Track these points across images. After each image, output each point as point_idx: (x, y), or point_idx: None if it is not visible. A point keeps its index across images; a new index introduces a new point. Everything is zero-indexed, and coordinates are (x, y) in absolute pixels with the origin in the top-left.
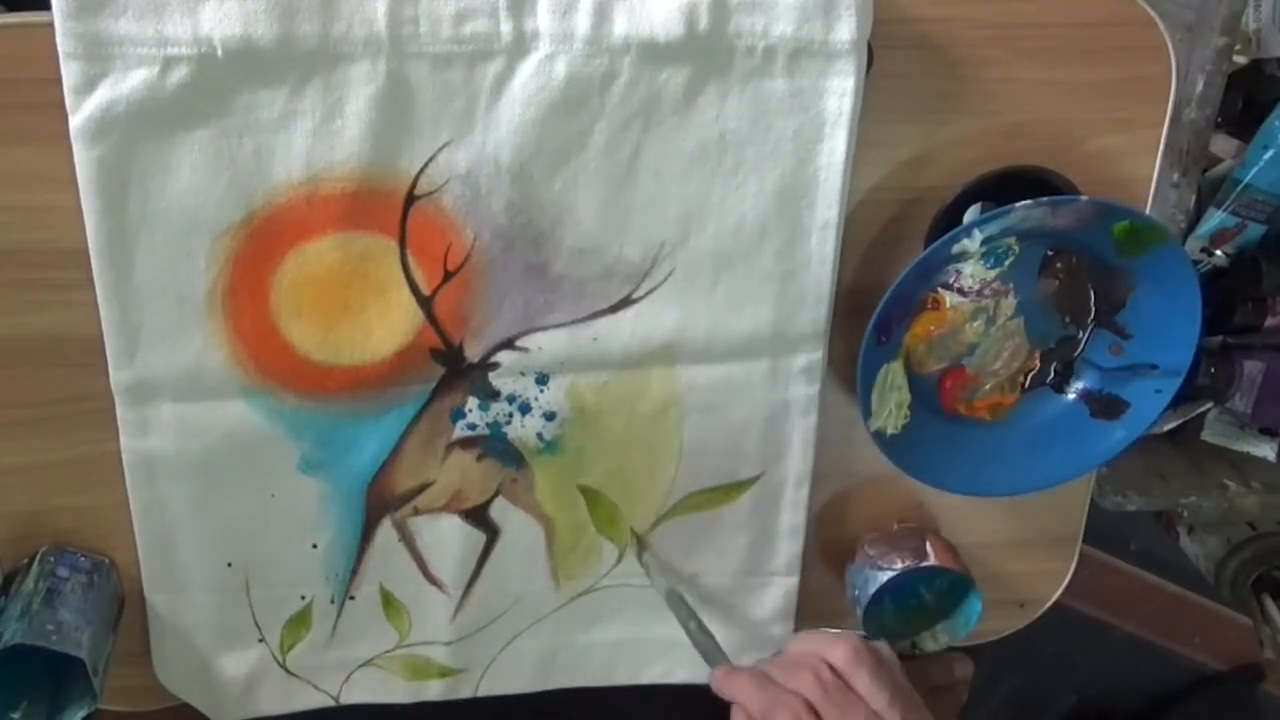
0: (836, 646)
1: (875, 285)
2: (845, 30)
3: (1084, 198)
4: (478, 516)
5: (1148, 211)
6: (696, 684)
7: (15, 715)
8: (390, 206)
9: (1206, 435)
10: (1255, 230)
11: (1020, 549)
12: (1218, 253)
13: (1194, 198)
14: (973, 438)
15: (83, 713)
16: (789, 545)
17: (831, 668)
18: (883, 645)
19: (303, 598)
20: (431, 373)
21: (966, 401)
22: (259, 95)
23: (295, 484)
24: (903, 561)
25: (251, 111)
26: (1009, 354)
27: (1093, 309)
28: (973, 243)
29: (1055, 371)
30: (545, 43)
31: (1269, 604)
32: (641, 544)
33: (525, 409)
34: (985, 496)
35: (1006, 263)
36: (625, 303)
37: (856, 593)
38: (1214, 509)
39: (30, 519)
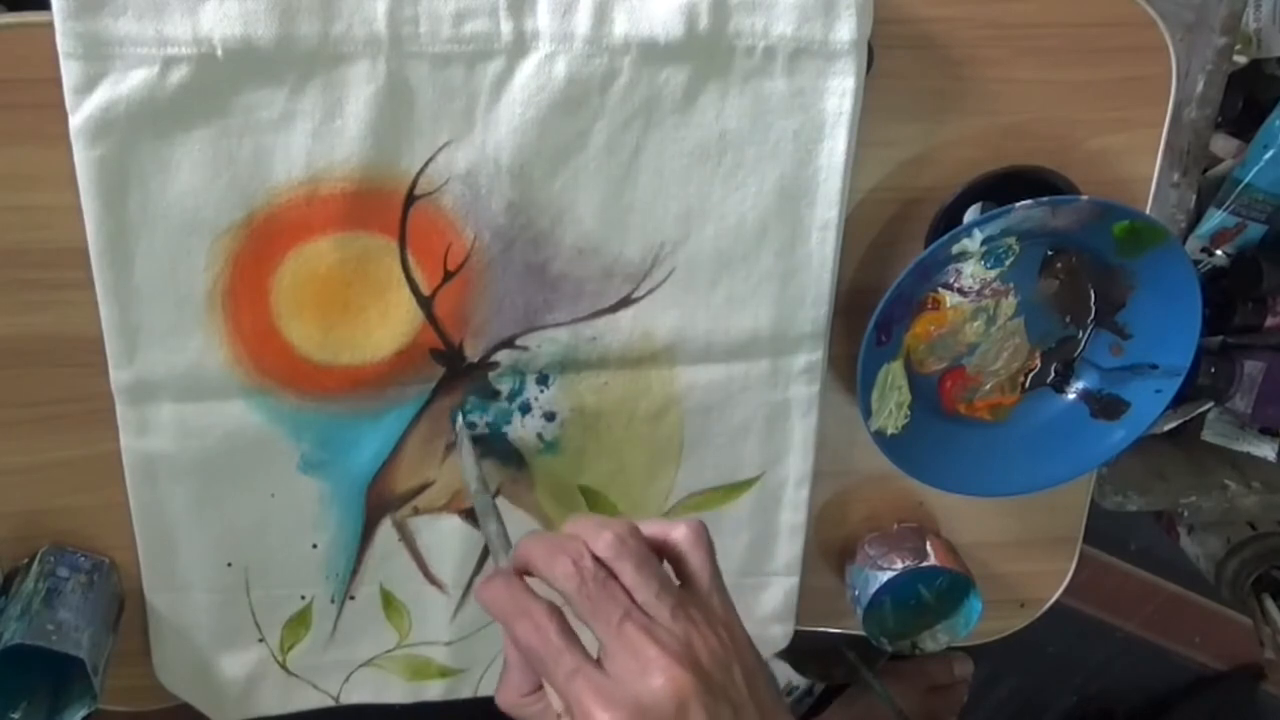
0: (602, 533)
1: (875, 285)
2: (845, 30)
3: (1084, 197)
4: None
5: (1148, 211)
6: None
7: (15, 715)
8: (390, 206)
9: (1206, 435)
10: (1255, 230)
11: (1020, 549)
12: (1218, 253)
13: (1194, 198)
14: (973, 438)
15: (83, 713)
16: (789, 545)
17: (595, 557)
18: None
19: (303, 598)
20: (431, 373)
21: (967, 401)
22: (259, 95)
23: (295, 484)
24: (903, 561)
25: (251, 111)
26: (1009, 354)
27: (1093, 309)
28: (973, 243)
29: (1055, 371)
30: (545, 42)
31: (1269, 604)
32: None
33: (525, 409)
34: (985, 496)
35: (1006, 263)
36: (625, 302)
37: (856, 593)
38: (1214, 509)
39: (30, 519)
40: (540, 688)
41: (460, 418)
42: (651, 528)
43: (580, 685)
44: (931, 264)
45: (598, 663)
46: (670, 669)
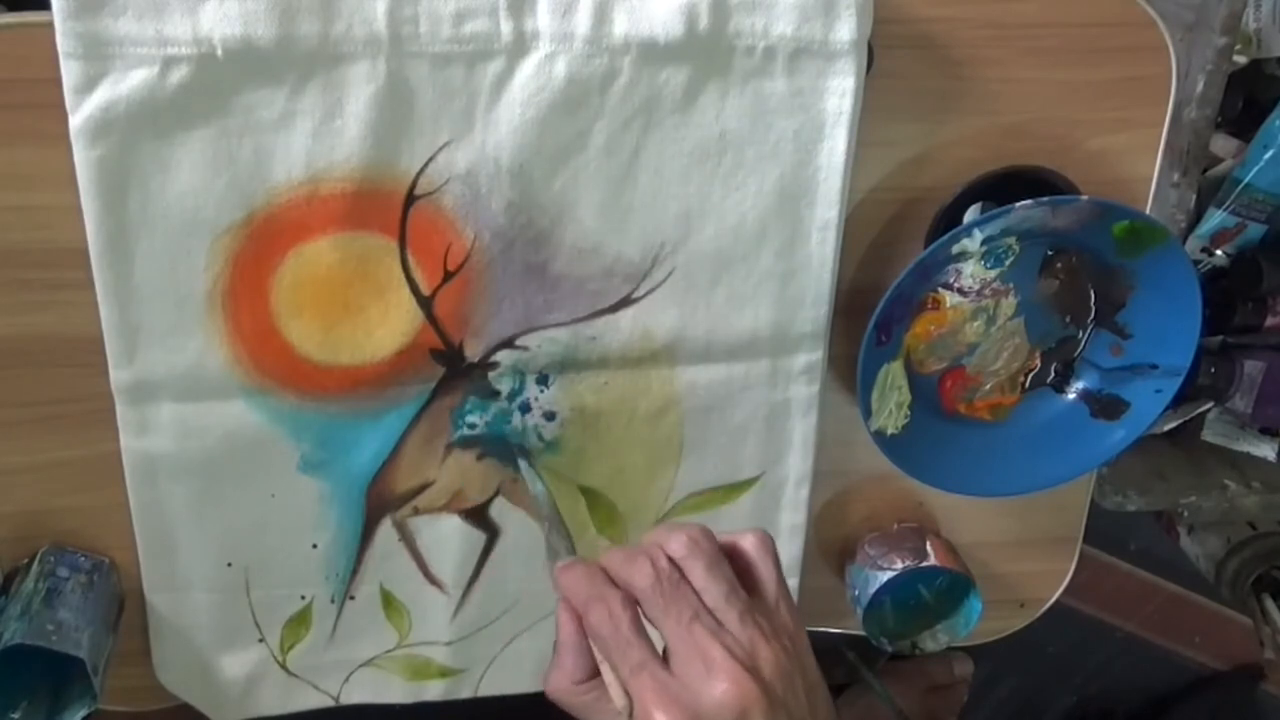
0: (675, 535)
1: (875, 285)
2: (845, 30)
3: (1084, 197)
4: (478, 516)
5: (1148, 211)
6: None
7: (15, 715)
8: (390, 206)
9: (1206, 435)
10: (1255, 230)
11: (1020, 549)
12: (1218, 253)
13: (1194, 198)
14: (973, 438)
15: (83, 713)
16: (789, 545)
17: (670, 559)
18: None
19: (303, 598)
20: (431, 373)
21: (967, 401)
22: (259, 95)
23: (295, 484)
24: (903, 561)
25: (251, 111)
26: (1009, 354)
27: (1093, 309)
28: (973, 243)
29: (1055, 371)
30: (545, 42)
31: (1269, 604)
32: (522, 450)
33: (525, 409)
34: (985, 496)
35: (1006, 263)
36: (625, 302)
37: (856, 593)
38: (1214, 509)
39: (30, 519)
40: (594, 676)
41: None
42: (721, 537)
43: (644, 680)
44: (931, 264)
45: (664, 661)
46: (734, 675)
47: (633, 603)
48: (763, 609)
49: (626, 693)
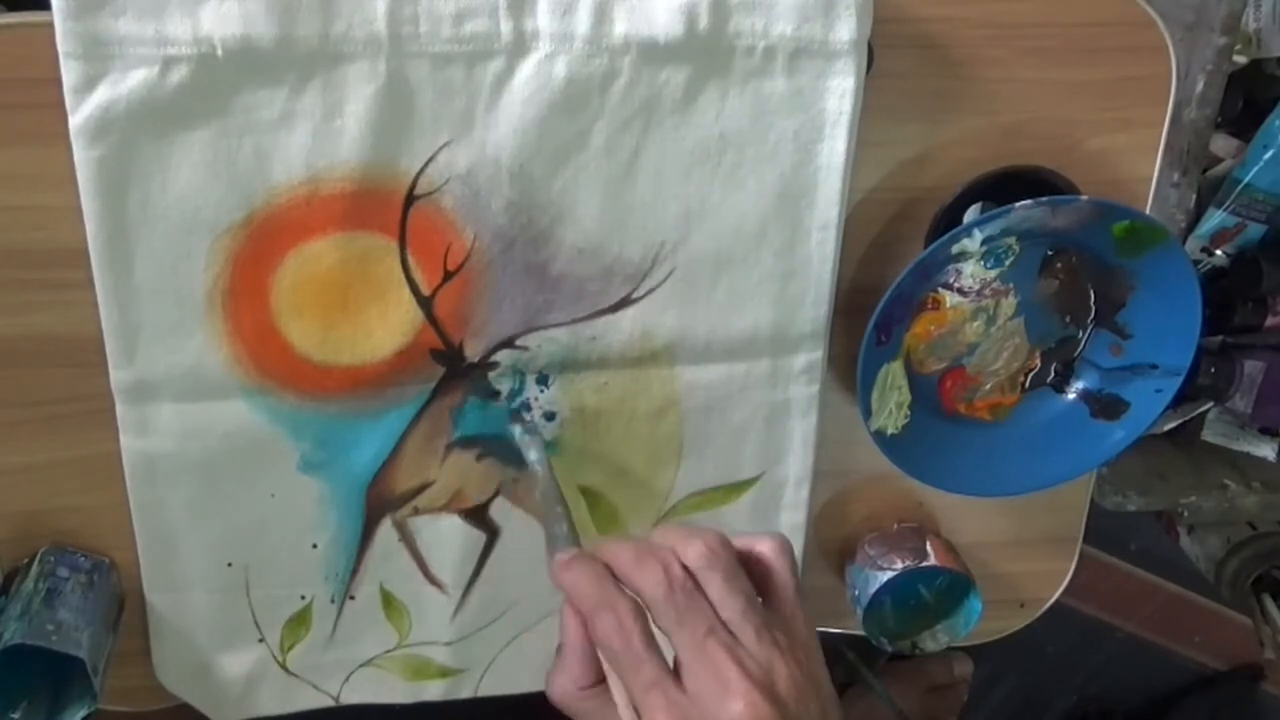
0: (692, 542)
1: (875, 285)
2: (845, 30)
3: (1085, 197)
4: (478, 516)
5: (1148, 211)
6: None
7: (15, 715)
8: (390, 206)
9: (1206, 435)
10: (1255, 230)
11: (1020, 549)
12: (1218, 253)
13: (1194, 198)
14: (973, 437)
15: (83, 713)
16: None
17: (685, 566)
18: (770, 544)
19: (303, 598)
20: (431, 373)
21: (967, 401)
22: (259, 95)
23: (295, 484)
24: (903, 561)
25: (251, 111)
26: (1009, 354)
27: (1093, 309)
28: (973, 242)
29: (1055, 371)
30: (545, 42)
31: (1269, 604)
32: (517, 416)
33: (525, 409)
34: (985, 496)
35: (1006, 263)
36: (625, 302)
37: (856, 593)
38: (1214, 509)
39: (30, 519)
40: (599, 682)
41: (522, 419)
42: (738, 540)
43: (657, 700)
44: (931, 264)
45: (676, 676)
46: (750, 695)
47: (642, 612)
48: (779, 620)
49: (634, 707)
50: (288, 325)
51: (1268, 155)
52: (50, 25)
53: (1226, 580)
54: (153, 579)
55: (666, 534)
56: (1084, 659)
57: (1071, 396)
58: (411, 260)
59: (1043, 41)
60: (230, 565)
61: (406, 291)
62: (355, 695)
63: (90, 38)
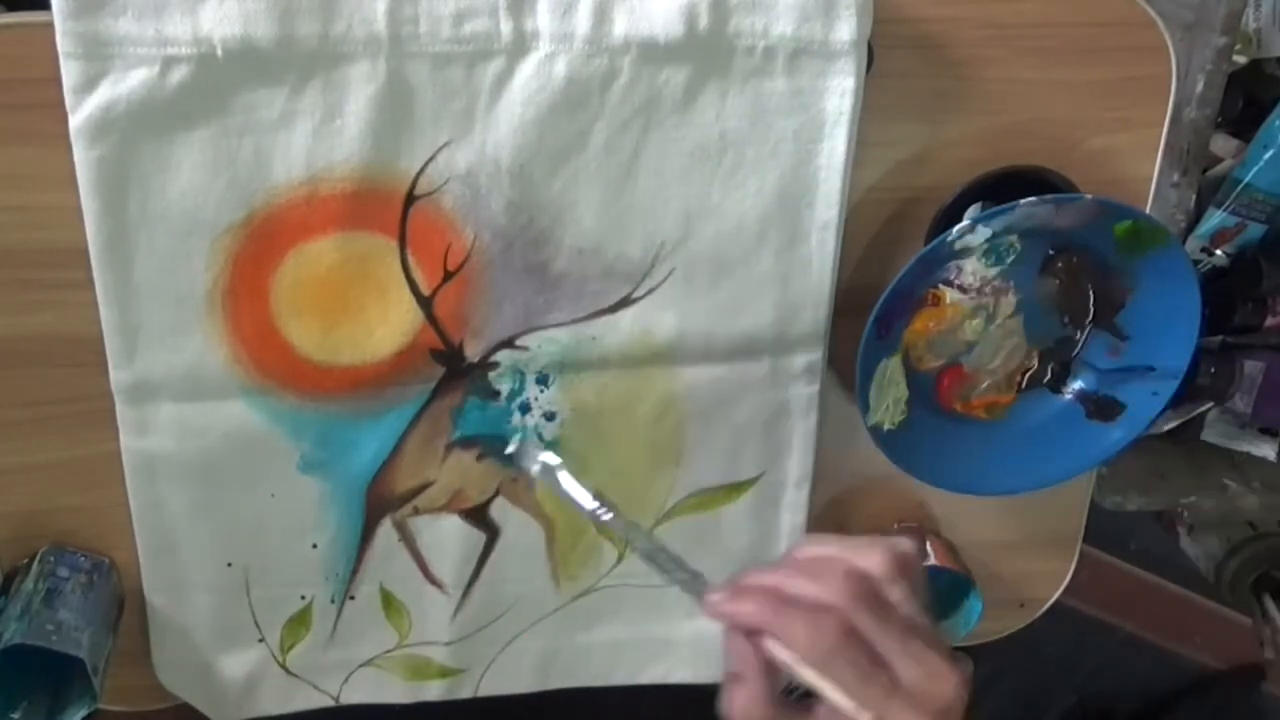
0: (870, 553)
1: (875, 285)
2: (845, 30)
3: (1089, 196)
4: (478, 516)
5: (1148, 211)
6: (696, 684)
7: (15, 715)
8: (390, 206)
9: (1206, 435)
10: (1255, 230)
11: (1020, 549)
12: (1218, 252)
13: (1194, 198)
14: (970, 436)
15: (83, 713)
16: (789, 545)
17: (862, 575)
18: (903, 541)
19: (303, 598)
20: (431, 373)
21: (964, 399)
22: (259, 95)
23: (295, 484)
24: None
25: (251, 111)
26: (1007, 353)
27: (1092, 309)
28: (977, 238)
29: (1052, 372)
30: (545, 42)
31: (1269, 604)
32: (611, 504)
33: (525, 409)
34: (983, 495)
35: (1008, 260)
36: (625, 302)
37: None
38: (1214, 509)
39: (30, 519)
40: (779, 693)
41: (538, 455)
42: (827, 549)
43: (895, 706)
44: (934, 259)
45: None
46: (952, 669)
47: (849, 627)
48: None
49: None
50: (288, 325)
51: (1268, 155)
52: (50, 25)
53: (1226, 580)
54: (153, 579)
55: (823, 547)
56: (1084, 659)
57: (1068, 397)
58: (411, 260)
59: (1043, 41)
60: (230, 565)
61: (406, 291)
62: (355, 695)
63: (90, 38)
